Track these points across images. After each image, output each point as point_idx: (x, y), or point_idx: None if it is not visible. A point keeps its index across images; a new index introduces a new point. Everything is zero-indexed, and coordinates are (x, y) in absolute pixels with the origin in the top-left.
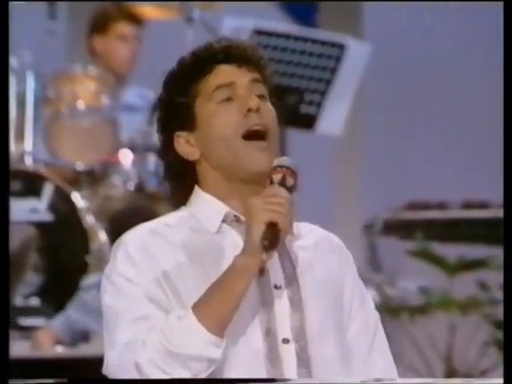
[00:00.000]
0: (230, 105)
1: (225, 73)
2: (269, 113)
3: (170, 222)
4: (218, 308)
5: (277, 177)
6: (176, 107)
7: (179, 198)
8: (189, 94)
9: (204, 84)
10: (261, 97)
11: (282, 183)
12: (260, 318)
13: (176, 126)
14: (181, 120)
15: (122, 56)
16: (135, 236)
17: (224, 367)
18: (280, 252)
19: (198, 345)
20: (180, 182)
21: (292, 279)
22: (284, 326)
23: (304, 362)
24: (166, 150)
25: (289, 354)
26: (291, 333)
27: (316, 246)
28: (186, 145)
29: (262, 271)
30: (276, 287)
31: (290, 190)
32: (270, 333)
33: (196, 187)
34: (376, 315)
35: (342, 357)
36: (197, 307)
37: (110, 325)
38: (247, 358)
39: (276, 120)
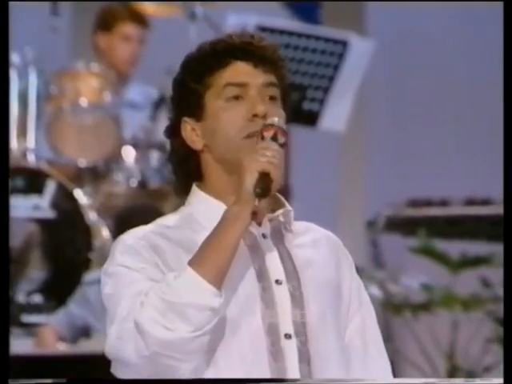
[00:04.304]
0: (238, 104)
1: (239, 71)
2: (276, 116)
3: (168, 223)
4: (214, 258)
5: (268, 133)
6: (188, 93)
7: (180, 184)
8: (202, 83)
9: (217, 78)
10: (272, 98)
11: (274, 139)
12: (262, 313)
13: (185, 111)
14: (190, 107)
15: (124, 56)
16: (134, 234)
17: (228, 362)
18: (279, 248)
19: (197, 294)
20: (182, 168)
21: (292, 275)
22: (286, 321)
23: (305, 357)
24: (173, 132)
25: (291, 349)
26: (293, 328)
27: (314, 245)
28: (191, 132)
29: (255, 215)
30: (277, 282)
31: (281, 146)
32: (272, 328)
33: (194, 186)
34: (372, 313)
35: (341, 353)
36: (193, 261)
37: (111, 308)
38: (250, 353)
39: (284, 122)
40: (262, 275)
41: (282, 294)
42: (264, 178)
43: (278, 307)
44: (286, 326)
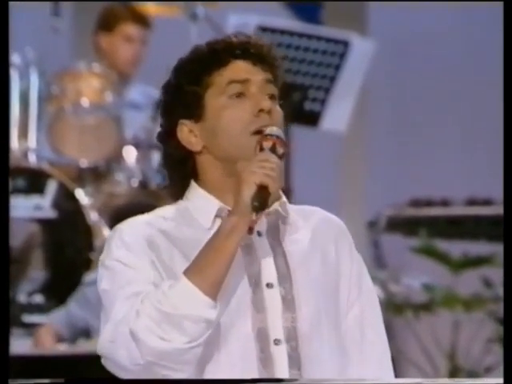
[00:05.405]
0: (242, 101)
1: (240, 69)
2: (278, 115)
3: (165, 215)
4: (209, 269)
5: (267, 144)
6: (185, 95)
7: (176, 187)
8: (201, 84)
9: (218, 77)
10: (272, 97)
11: (273, 150)
12: (252, 317)
13: (182, 113)
14: (188, 108)
15: (126, 56)
16: (130, 226)
17: (216, 367)
18: (273, 247)
19: (193, 305)
20: (178, 170)
21: (285, 277)
22: (276, 326)
23: (295, 362)
24: (167, 137)
25: (280, 355)
26: (283, 333)
27: (313, 236)
28: (189, 134)
29: (251, 230)
30: (268, 286)
31: (280, 157)
32: (261, 333)
33: (193, 183)
34: (373, 299)
35: (337, 351)
36: (188, 271)
37: (107, 306)
38: (239, 358)
39: (283, 122)
40: (253, 279)
41: (272, 298)
42: (262, 191)
43: (267, 312)
44: (276, 331)
